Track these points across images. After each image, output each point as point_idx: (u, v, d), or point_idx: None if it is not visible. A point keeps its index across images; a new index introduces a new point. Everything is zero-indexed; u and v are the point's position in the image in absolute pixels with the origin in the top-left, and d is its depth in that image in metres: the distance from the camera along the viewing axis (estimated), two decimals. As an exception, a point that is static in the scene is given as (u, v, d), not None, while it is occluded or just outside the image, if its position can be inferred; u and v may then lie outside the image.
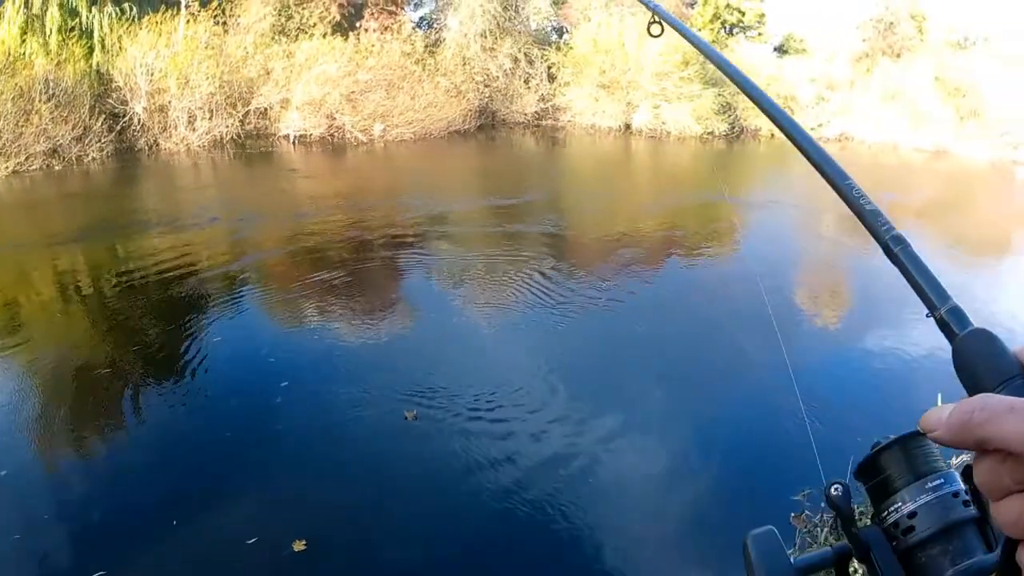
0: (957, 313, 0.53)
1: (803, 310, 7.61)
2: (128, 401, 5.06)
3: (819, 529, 3.72)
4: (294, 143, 18.13)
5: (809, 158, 0.74)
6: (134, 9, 17.74)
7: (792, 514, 3.83)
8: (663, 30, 1.27)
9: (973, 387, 0.46)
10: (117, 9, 17.55)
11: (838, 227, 11.00)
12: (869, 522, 0.60)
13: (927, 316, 0.55)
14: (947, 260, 9.66)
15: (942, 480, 0.57)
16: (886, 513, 0.58)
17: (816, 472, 3.05)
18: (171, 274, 7.66)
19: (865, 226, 0.64)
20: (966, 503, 0.56)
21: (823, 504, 3.41)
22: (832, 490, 0.60)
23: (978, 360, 0.47)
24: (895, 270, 0.60)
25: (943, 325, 0.53)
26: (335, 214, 10.74)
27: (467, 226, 10.72)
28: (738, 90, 0.91)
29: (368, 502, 4.00)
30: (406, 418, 4.76)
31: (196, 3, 18.72)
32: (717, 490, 4.32)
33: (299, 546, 3.52)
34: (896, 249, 0.60)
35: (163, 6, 18.11)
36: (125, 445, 4.54)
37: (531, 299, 7.24)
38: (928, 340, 6.06)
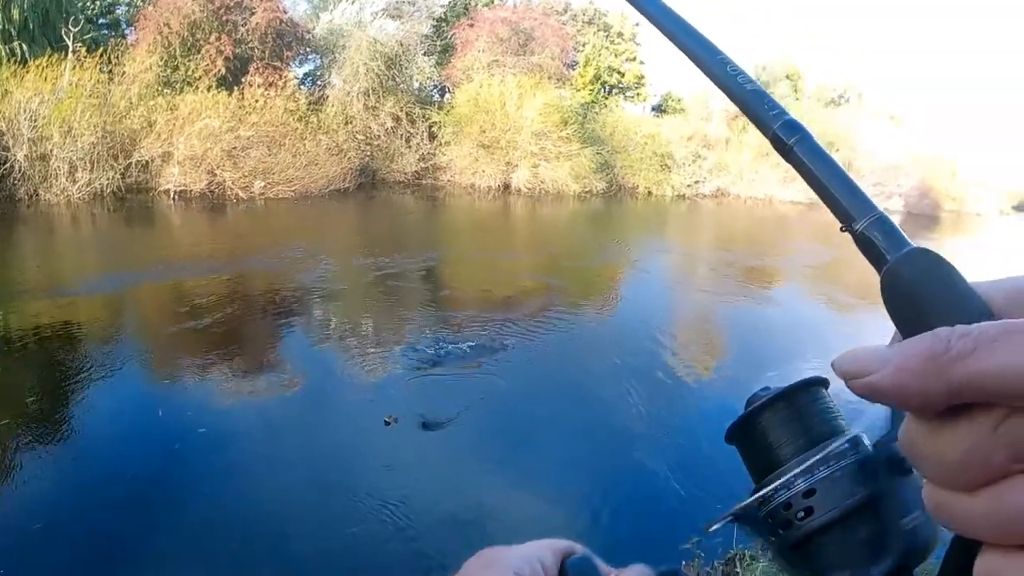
0: (886, 226, 0.38)
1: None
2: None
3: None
4: (174, 198, 19.32)
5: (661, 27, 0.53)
6: (25, 49, 18.97)
7: (683, 562, 3.76)
8: None
9: (917, 325, 0.31)
10: (7, 49, 18.79)
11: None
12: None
13: (841, 230, 0.41)
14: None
15: (847, 445, 0.47)
16: (770, 489, 0.49)
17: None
18: (49, 336, 8.03)
19: (746, 114, 0.48)
20: None
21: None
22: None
23: (930, 287, 0.34)
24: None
25: (865, 243, 0.39)
26: (213, 274, 11.49)
27: (345, 288, 11.70)
28: None
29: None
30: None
31: (83, 49, 19.76)
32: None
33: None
34: (791, 142, 0.44)
35: (50, 50, 19.13)
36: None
37: (401, 360, 7.94)
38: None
